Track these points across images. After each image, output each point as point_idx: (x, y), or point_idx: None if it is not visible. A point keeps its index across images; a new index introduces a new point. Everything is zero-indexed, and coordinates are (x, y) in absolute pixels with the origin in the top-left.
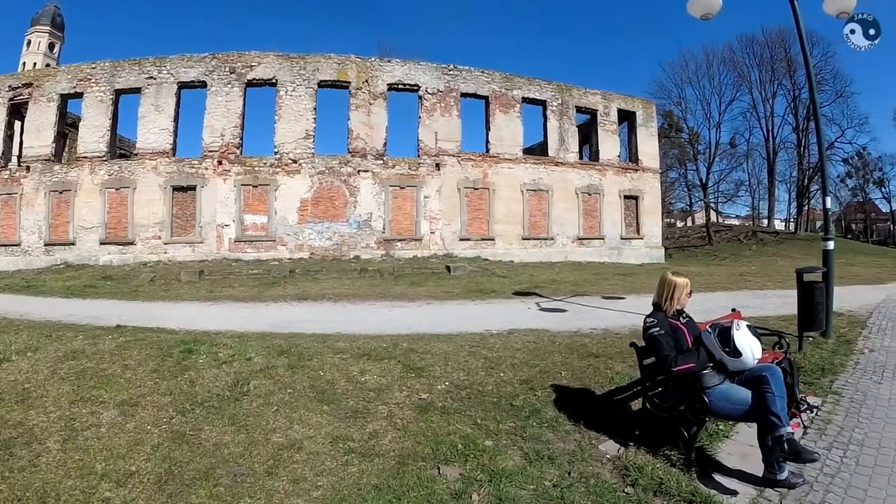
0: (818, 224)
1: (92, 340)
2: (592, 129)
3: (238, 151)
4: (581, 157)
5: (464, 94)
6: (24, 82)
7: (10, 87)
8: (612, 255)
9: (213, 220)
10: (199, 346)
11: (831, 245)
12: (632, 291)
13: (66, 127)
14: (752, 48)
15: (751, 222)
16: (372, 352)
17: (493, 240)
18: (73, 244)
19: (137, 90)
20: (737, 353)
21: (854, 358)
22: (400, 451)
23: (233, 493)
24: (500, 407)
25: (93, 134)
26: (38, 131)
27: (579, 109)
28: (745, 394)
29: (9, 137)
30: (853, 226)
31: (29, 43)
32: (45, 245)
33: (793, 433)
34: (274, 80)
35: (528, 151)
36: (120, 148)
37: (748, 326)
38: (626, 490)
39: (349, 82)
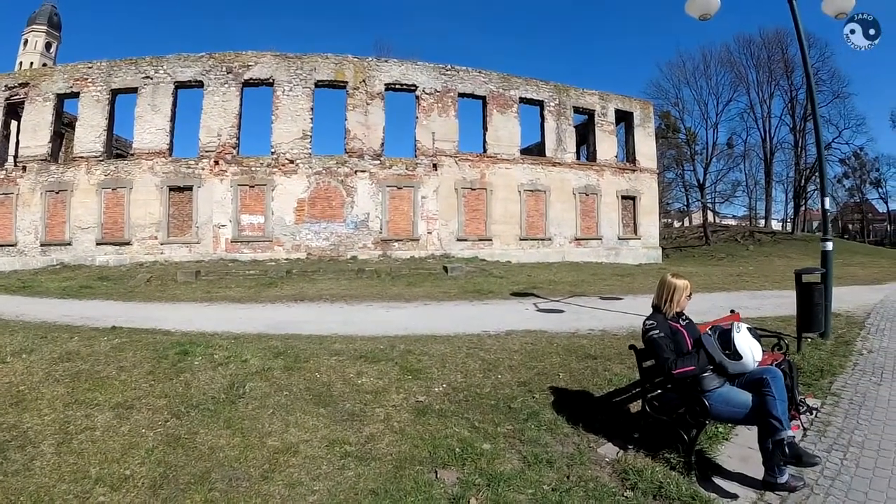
0: (815, 224)
1: (87, 342)
2: (590, 130)
3: (235, 151)
4: (578, 158)
5: (461, 95)
6: (20, 82)
7: (6, 86)
8: (609, 256)
9: (210, 220)
10: (194, 348)
11: (830, 246)
12: (629, 292)
13: (63, 127)
14: (749, 49)
15: (748, 222)
16: (369, 353)
17: (491, 240)
18: (69, 244)
19: (134, 90)
20: (737, 356)
21: (853, 359)
22: (397, 455)
23: (228, 497)
24: (498, 409)
25: (89, 134)
26: (35, 131)
27: (577, 110)
28: (746, 397)
29: (5, 137)
30: (850, 226)
31: (26, 42)
32: (42, 245)
33: (794, 436)
34: (271, 80)
35: (525, 152)
36: (116, 148)
37: (748, 329)
38: (625, 494)
39: (346, 82)
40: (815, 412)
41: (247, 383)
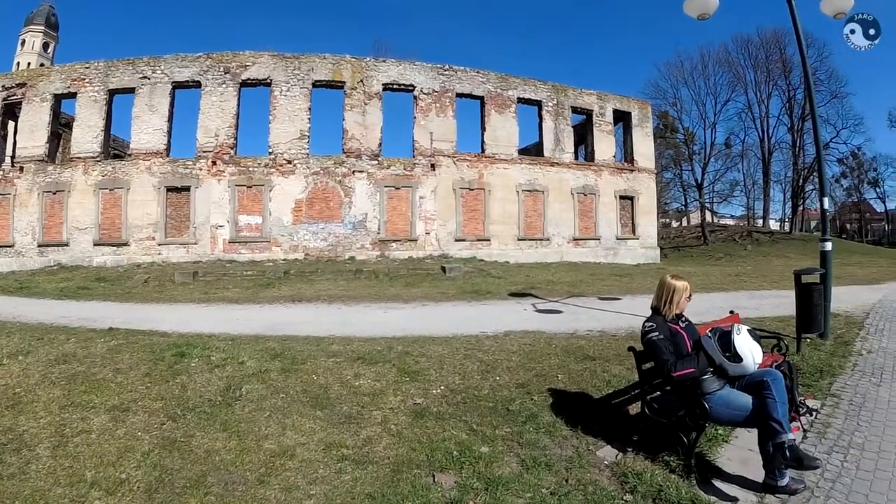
0: (813, 224)
1: (84, 343)
2: (588, 130)
3: (232, 152)
4: (576, 158)
5: (459, 95)
6: (17, 82)
7: (3, 86)
8: (607, 256)
9: (208, 220)
10: (191, 350)
11: (829, 246)
12: (628, 292)
13: (60, 127)
14: (747, 49)
15: (746, 222)
16: (366, 355)
17: (489, 240)
18: (66, 245)
19: (131, 90)
20: (738, 358)
21: (852, 360)
22: (394, 459)
23: (224, 502)
24: (497, 412)
25: (86, 134)
26: (32, 131)
27: (575, 110)
28: (746, 399)
29: (2, 138)
30: (848, 225)
31: (23, 42)
32: (39, 246)
33: (794, 439)
34: (268, 80)
35: (523, 152)
36: (114, 148)
37: (748, 330)
38: (624, 497)
39: (344, 82)
40: (814, 413)
41: (243, 385)
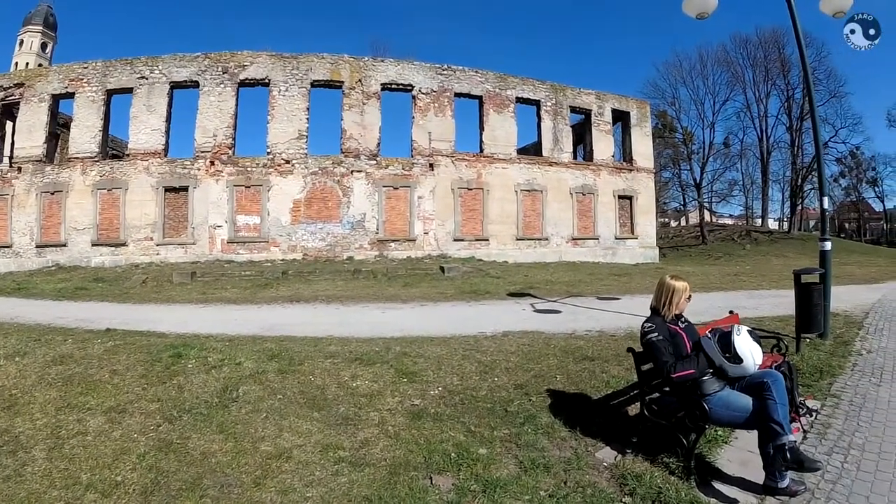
0: (812, 223)
1: (81, 345)
2: (586, 129)
3: (230, 152)
4: (575, 157)
5: (457, 94)
6: (15, 82)
7: (1, 87)
8: (606, 255)
9: (206, 221)
10: (188, 351)
11: (828, 246)
12: (627, 292)
13: (58, 127)
14: (746, 48)
15: (745, 222)
16: (364, 356)
17: (488, 240)
18: (64, 245)
19: (129, 90)
20: (738, 360)
21: (852, 360)
22: (392, 460)
23: None
24: (495, 413)
25: (84, 134)
26: (30, 132)
27: (573, 109)
28: (746, 401)
29: (0, 138)
30: (847, 225)
31: (21, 43)
32: (37, 247)
33: (795, 441)
34: (267, 80)
35: (522, 151)
36: (112, 148)
37: (748, 331)
38: (623, 500)
39: (342, 82)
40: (815, 414)
41: (240, 387)
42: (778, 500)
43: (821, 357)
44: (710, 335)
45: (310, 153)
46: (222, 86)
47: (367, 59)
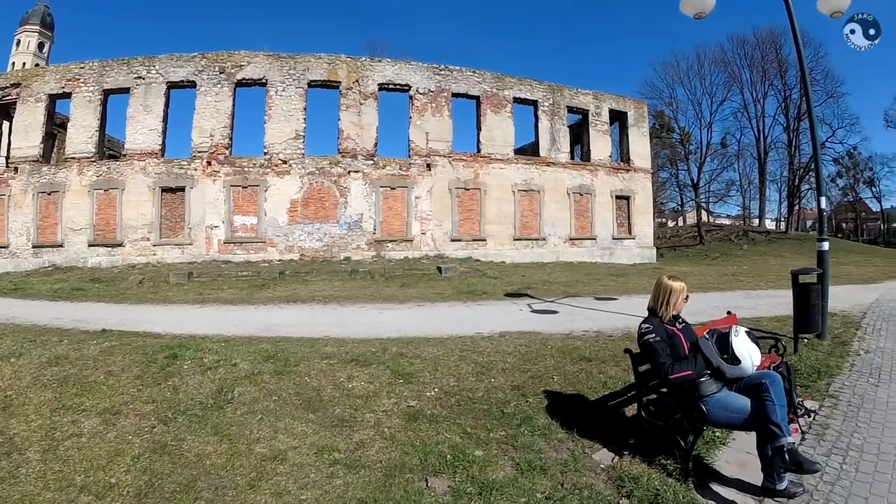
0: (809, 223)
1: (77, 345)
2: (584, 130)
3: (227, 152)
4: (572, 158)
5: (455, 95)
6: (12, 82)
7: None
8: (603, 256)
9: (203, 221)
10: (184, 352)
11: (826, 246)
12: (624, 292)
13: (55, 127)
14: (743, 49)
15: (742, 222)
16: (360, 356)
17: (485, 240)
18: (61, 246)
19: (126, 90)
20: (735, 361)
21: (850, 360)
22: (387, 462)
23: None
24: (491, 414)
25: (81, 134)
26: (27, 132)
27: (571, 109)
28: (744, 402)
29: None
30: (844, 225)
31: (18, 42)
32: (34, 247)
33: (794, 442)
34: (264, 80)
35: (519, 152)
36: (109, 148)
37: (746, 332)
38: (620, 502)
39: (339, 82)
40: (813, 415)
41: (235, 388)
42: (776, 501)
43: (819, 357)
44: (707, 336)
45: (307, 153)
46: (219, 86)
47: (364, 59)
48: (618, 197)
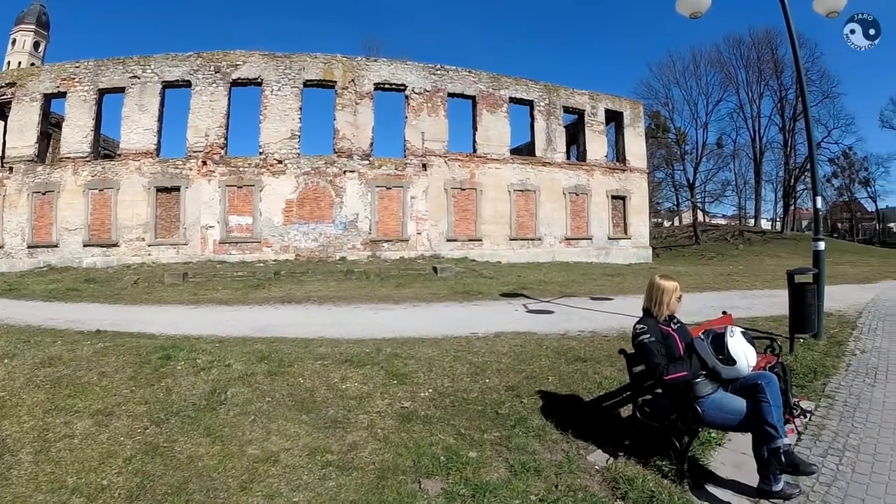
0: (804, 223)
1: (70, 346)
2: (580, 130)
3: (223, 152)
4: (568, 158)
5: (451, 94)
6: (7, 82)
7: None
8: (599, 256)
9: (198, 221)
10: (177, 352)
11: (822, 245)
12: (620, 292)
13: (50, 127)
14: (739, 49)
15: (738, 222)
16: (354, 357)
17: (481, 240)
18: (56, 246)
19: (121, 90)
20: (731, 361)
21: (846, 360)
22: (380, 464)
23: None
24: (485, 415)
25: (76, 134)
26: (22, 131)
27: (567, 109)
28: (740, 403)
29: None
30: (839, 225)
31: (14, 42)
32: (29, 247)
33: (790, 444)
34: (259, 80)
35: (515, 152)
36: (104, 148)
37: (742, 332)
38: None
39: (335, 82)
40: (809, 415)
41: (228, 389)
42: (772, 503)
43: (815, 357)
44: (702, 336)
45: (302, 153)
46: (214, 85)
47: (360, 58)
48: (614, 197)
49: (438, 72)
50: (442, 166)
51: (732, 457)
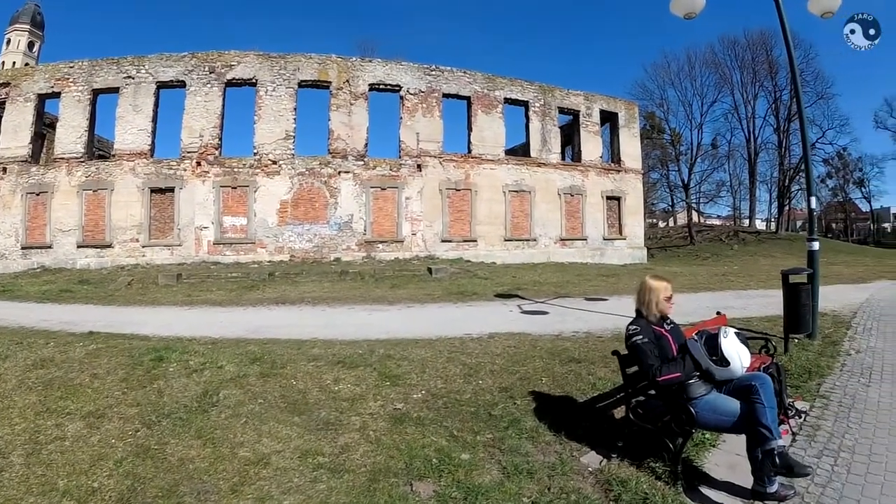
0: (799, 223)
1: (63, 348)
2: (575, 130)
3: (217, 152)
4: (563, 158)
5: (446, 95)
6: (0, 82)
7: None
8: (594, 256)
9: (192, 222)
10: (170, 354)
11: (816, 246)
12: (614, 292)
13: (44, 127)
14: (733, 50)
15: (732, 222)
16: (347, 359)
17: (476, 241)
18: (50, 247)
19: (115, 90)
20: (725, 362)
21: (840, 360)
22: (372, 467)
23: None
24: (478, 417)
25: (70, 134)
26: (15, 132)
27: (562, 110)
28: (734, 404)
29: None
30: (833, 225)
31: (8, 41)
32: (22, 248)
33: (784, 445)
34: (254, 80)
35: (510, 152)
36: (98, 149)
37: (736, 333)
38: None
39: (330, 82)
40: (803, 416)
41: (221, 391)
42: None
43: (809, 357)
44: (696, 337)
45: (297, 154)
46: (209, 86)
47: (354, 59)
48: (608, 198)
49: (433, 72)
50: (437, 167)
51: (727, 458)
